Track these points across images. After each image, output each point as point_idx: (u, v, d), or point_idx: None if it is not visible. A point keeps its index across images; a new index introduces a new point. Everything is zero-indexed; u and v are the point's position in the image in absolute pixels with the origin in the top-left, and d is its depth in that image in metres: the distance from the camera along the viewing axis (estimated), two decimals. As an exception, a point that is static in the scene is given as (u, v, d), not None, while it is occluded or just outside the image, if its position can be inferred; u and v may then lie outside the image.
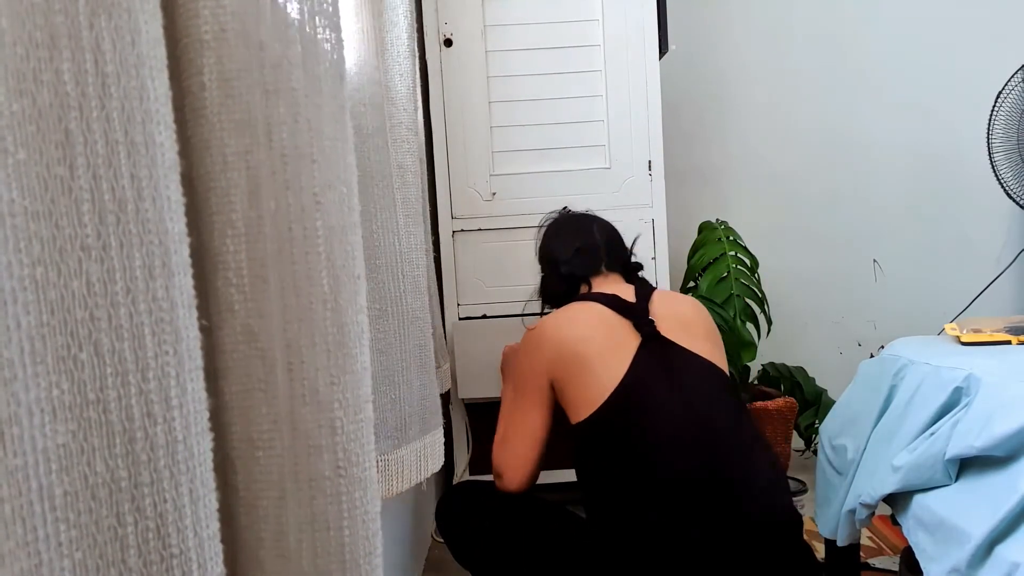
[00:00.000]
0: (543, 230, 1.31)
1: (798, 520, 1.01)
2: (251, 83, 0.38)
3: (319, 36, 0.41)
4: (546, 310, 1.27)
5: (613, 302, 1.11)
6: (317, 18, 0.41)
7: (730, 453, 0.98)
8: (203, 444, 0.35)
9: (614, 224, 1.30)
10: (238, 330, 0.40)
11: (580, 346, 1.05)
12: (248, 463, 0.41)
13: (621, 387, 1.01)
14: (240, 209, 0.39)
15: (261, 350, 0.40)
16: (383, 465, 0.79)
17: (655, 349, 1.05)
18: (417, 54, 0.81)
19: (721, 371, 1.08)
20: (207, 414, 0.35)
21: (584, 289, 1.20)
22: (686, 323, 1.11)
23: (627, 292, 1.15)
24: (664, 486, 0.95)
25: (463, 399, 1.65)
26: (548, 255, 1.27)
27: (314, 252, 0.40)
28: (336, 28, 0.42)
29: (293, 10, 0.40)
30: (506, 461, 1.11)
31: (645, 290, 1.16)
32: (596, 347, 1.05)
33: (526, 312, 1.43)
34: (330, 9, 0.42)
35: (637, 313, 1.09)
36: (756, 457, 1.01)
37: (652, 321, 1.08)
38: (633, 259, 1.27)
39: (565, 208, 1.35)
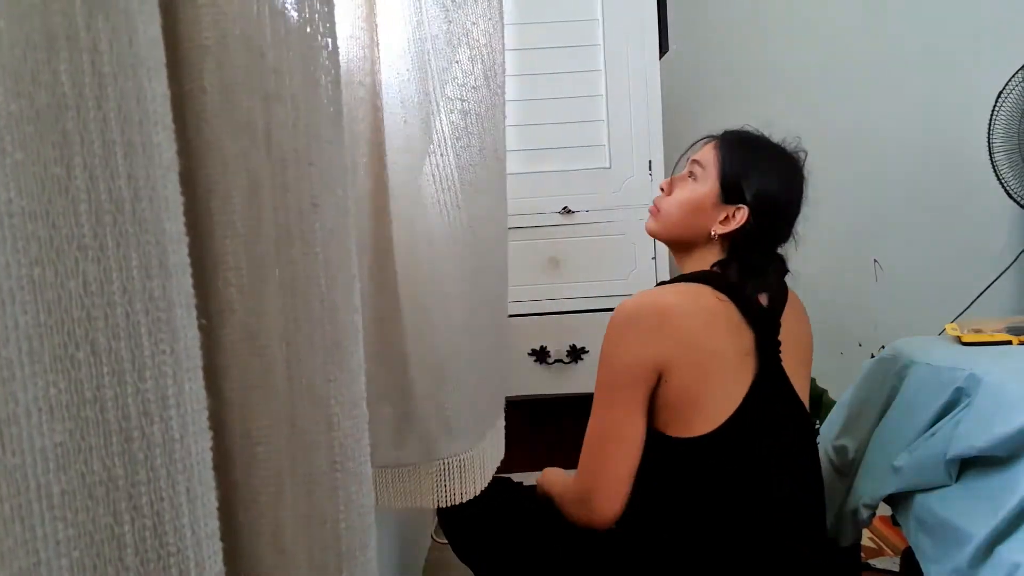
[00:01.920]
0: (776, 161, 1.00)
1: None
2: (252, 88, 0.39)
3: (317, 43, 0.42)
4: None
5: (747, 303, 0.90)
6: (314, 26, 0.42)
7: (798, 521, 0.91)
8: (201, 443, 0.35)
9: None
10: (237, 329, 0.40)
11: (709, 361, 0.86)
12: (247, 459, 0.42)
13: (731, 421, 0.86)
14: (240, 211, 0.40)
15: (260, 348, 0.41)
16: (466, 460, 0.77)
17: (771, 384, 0.89)
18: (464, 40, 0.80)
19: (806, 414, 0.96)
20: (206, 413, 0.36)
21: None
22: (802, 355, 0.96)
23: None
24: (728, 523, 0.88)
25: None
26: (782, 213, 0.98)
27: (311, 253, 0.41)
28: (332, 35, 0.43)
29: (291, 18, 0.41)
30: (600, 484, 0.87)
31: (781, 288, 0.96)
32: (721, 363, 0.87)
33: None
34: (326, 17, 0.43)
35: (767, 328, 0.90)
36: (817, 529, 0.95)
37: (779, 343, 0.91)
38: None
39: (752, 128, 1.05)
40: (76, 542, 0.27)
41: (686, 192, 0.99)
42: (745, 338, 0.89)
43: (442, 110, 0.72)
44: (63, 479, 0.27)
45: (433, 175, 0.72)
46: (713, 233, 0.96)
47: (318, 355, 0.41)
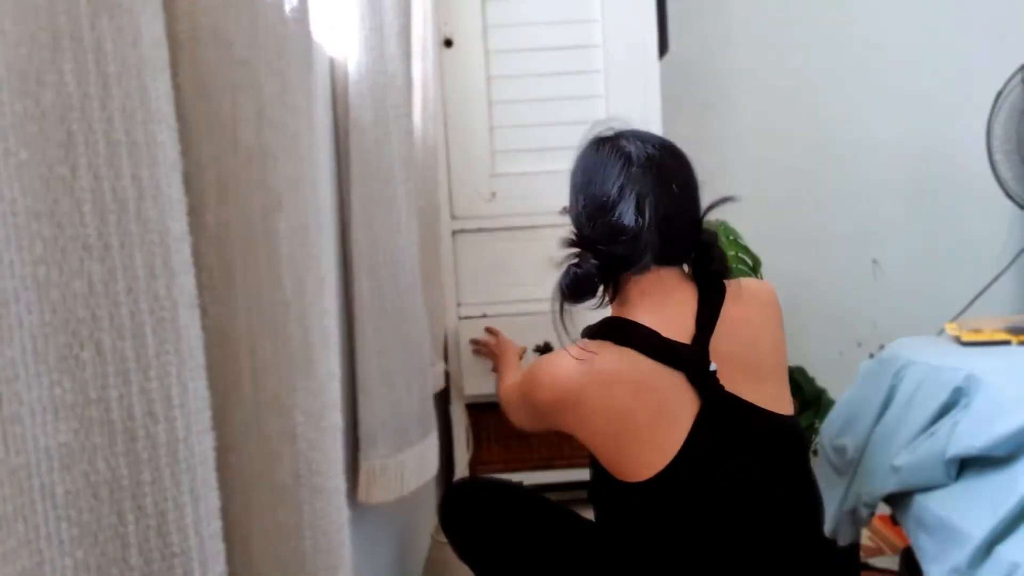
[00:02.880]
0: (581, 164, 0.92)
1: None
2: (221, 82, 0.37)
3: (288, 31, 0.40)
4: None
5: (659, 348, 0.83)
6: (286, 12, 0.40)
7: (786, 533, 0.87)
8: (205, 443, 0.35)
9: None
10: (212, 331, 0.39)
11: (618, 423, 0.83)
12: (222, 468, 0.40)
13: (675, 464, 0.82)
14: (212, 211, 0.38)
15: (232, 353, 0.39)
16: (381, 469, 0.78)
17: (717, 412, 0.83)
18: (409, 34, 0.80)
19: (788, 424, 0.90)
20: (209, 413, 0.35)
21: (619, 289, 0.90)
22: (755, 360, 0.88)
23: (683, 309, 0.87)
24: (702, 555, 0.85)
25: (468, 395, 1.65)
26: (585, 220, 0.89)
27: (276, 254, 0.39)
28: (304, 22, 0.41)
29: (261, 5, 0.38)
30: (512, 420, 1.09)
31: (712, 304, 0.87)
32: (640, 420, 0.83)
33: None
34: (300, 4, 0.41)
35: (694, 362, 0.83)
36: (811, 537, 0.91)
37: (714, 373, 0.84)
38: (705, 228, 0.91)
39: (606, 130, 0.93)
40: (80, 541, 0.27)
41: None
42: (668, 382, 0.83)
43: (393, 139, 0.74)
44: (67, 479, 0.27)
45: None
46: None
47: (282, 362, 0.40)
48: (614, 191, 0.86)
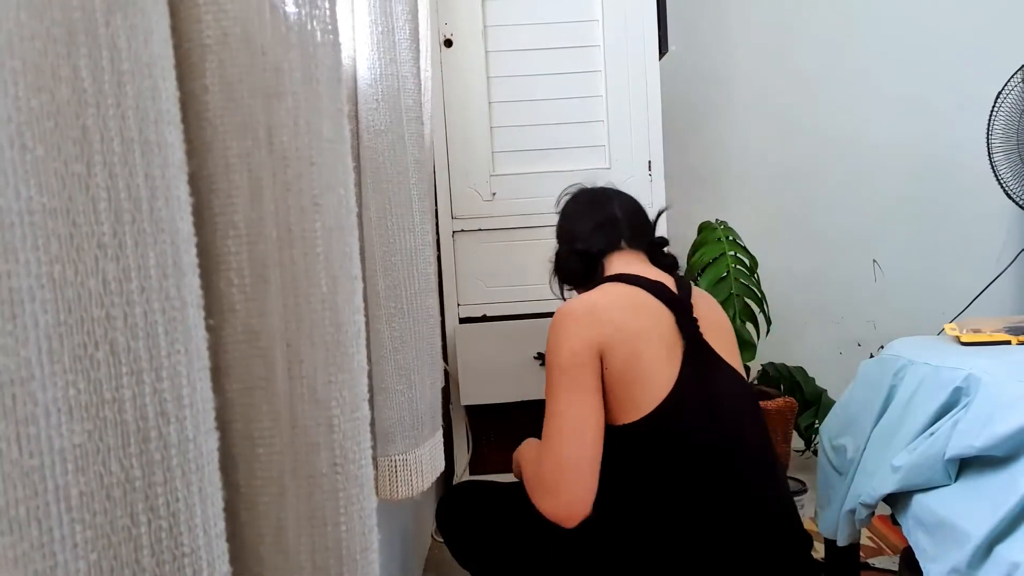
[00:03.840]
0: (560, 207, 1.24)
1: (809, 541, 1.00)
2: (252, 87, 0.38)
3: (317, 40, 0.42)
4: (567, 291, 1.20)
5: (658, 289, 1.02)
6: (315, 22, 0.42)
7: (753, 472, 0.96)
8: (211, 443, 0.35)
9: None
10: (239, 329, 0.40)
11: (639, 341, 0.97)
12: (249, 460, 0.42)
13: (670, 398, 0.95)
14: (242, 210, 0.39)
15: (262, 349, 0.40)
16: (402, 464, 0.80)
17: (697, 355, 0.99)
18: (418, 37, 0.83)
19: (746, 382, 1.05)
20: (213, 413, 0.36)
21: (603, 268, 1.12)
22: (718, 326, 1.06)
23: (663, 276, 1.08)
24: (686, 499, 0.93)
25: (464, 405, 1.64)
26: (565, 232, 1.19)
27: (312, 253, 0.41)
28: (334, 32, 0.43)
29: (292, 15, 0.40)
30: (566, 472, 0.89)
31: (685, 283, 1.08)
32: (652, 347, 0.97)
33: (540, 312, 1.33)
34: (328, 13, 0.43)
35: (681, 309, 1.01)
36: (774, 476, 1.00)
37: (696, 320, 1.01)
38: (658, 234, 1.19)
39: (579, 184, 1.26)
40: (94, 544, 0.27)
41: None
42: (665, 319, 1.01)
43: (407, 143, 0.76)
44: (81, 480, 0.26)
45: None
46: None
47: (319, 356, 0.41)
48: (595, 206, 1.18)
